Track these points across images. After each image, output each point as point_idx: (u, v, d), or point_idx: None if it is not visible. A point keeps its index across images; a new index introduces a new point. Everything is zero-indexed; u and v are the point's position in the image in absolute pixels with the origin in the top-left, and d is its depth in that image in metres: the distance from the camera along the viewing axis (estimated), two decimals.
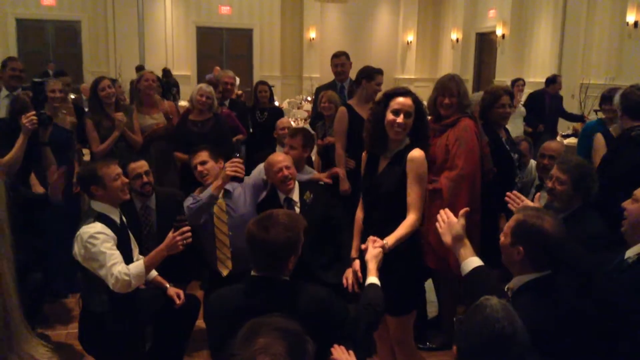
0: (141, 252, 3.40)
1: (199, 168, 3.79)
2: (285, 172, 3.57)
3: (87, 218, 3.09)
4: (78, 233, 3.02)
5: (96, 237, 2.95)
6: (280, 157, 3.68)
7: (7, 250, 1.07)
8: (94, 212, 3.09)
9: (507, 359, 1.65)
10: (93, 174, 3.11)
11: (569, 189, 3.05)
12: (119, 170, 3.20)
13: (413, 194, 2.74)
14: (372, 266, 2.46)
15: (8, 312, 1.02)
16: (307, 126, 7.46)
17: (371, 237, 2.58)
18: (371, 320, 2.28)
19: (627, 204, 2.44)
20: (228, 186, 3.71)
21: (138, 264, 3.04)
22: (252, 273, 2.26)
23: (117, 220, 3.17)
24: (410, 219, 2.72)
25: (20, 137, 3.92)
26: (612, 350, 2.16)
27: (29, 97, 4.40)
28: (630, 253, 2.33)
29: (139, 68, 10.77)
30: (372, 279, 2.41)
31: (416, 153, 2.74)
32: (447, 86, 3.61)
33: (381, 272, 2.80)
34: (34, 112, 4.02)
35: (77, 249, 3.00)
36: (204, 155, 3.82)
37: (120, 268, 2.94)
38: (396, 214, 2.78)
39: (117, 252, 3.00)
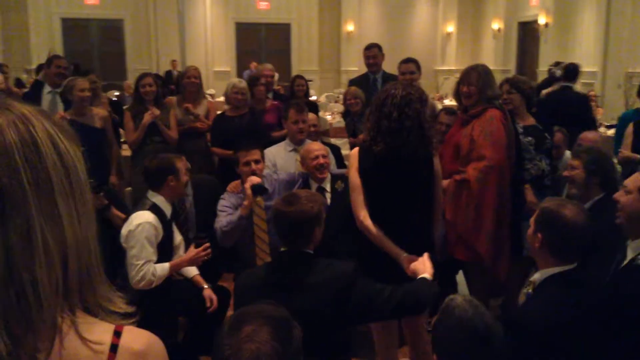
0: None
1: (254, 167, 3.67)
2: (322, 160, 3.72)
3: (142, 204, 3.25)
4: (131, 216, 3.18)
5: (144, 226, 3.09)
6: (317, 146, 3.85)
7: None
8: (149, 201, 3.24)
9: (487, 355, 1.65)
10: (172, 165, 3.29)
11: (581, 174, 3.10)
12: (188, 165, 3.44)
13: None
14: (428, 267, 2.42)
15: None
16: (342, 119, 7.47)
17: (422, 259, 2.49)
18: (406, 303, 2.26)
19: (620, 196, 2.34)
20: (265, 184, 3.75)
21: (164, 266, 3.15)
22: (281, 249, 2.35)
23: (168, 215, 3.30)
24: None
25: None
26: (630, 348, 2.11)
27: None
28: (634, 252, 2.26)
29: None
30: (425, 275, 2.36)
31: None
32: (467, 75, 3.55)
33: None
34: None
35: (124, 229, 3.14)
36: (258, 154, 3.74)
37: (150, 267, 3.09)
38: None
39: (153, 250, 3.12)
